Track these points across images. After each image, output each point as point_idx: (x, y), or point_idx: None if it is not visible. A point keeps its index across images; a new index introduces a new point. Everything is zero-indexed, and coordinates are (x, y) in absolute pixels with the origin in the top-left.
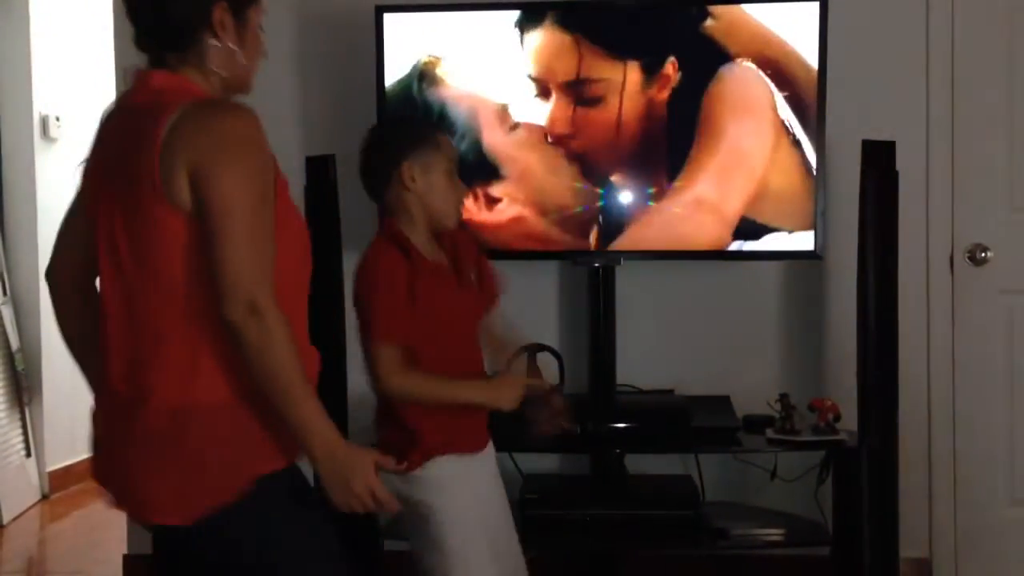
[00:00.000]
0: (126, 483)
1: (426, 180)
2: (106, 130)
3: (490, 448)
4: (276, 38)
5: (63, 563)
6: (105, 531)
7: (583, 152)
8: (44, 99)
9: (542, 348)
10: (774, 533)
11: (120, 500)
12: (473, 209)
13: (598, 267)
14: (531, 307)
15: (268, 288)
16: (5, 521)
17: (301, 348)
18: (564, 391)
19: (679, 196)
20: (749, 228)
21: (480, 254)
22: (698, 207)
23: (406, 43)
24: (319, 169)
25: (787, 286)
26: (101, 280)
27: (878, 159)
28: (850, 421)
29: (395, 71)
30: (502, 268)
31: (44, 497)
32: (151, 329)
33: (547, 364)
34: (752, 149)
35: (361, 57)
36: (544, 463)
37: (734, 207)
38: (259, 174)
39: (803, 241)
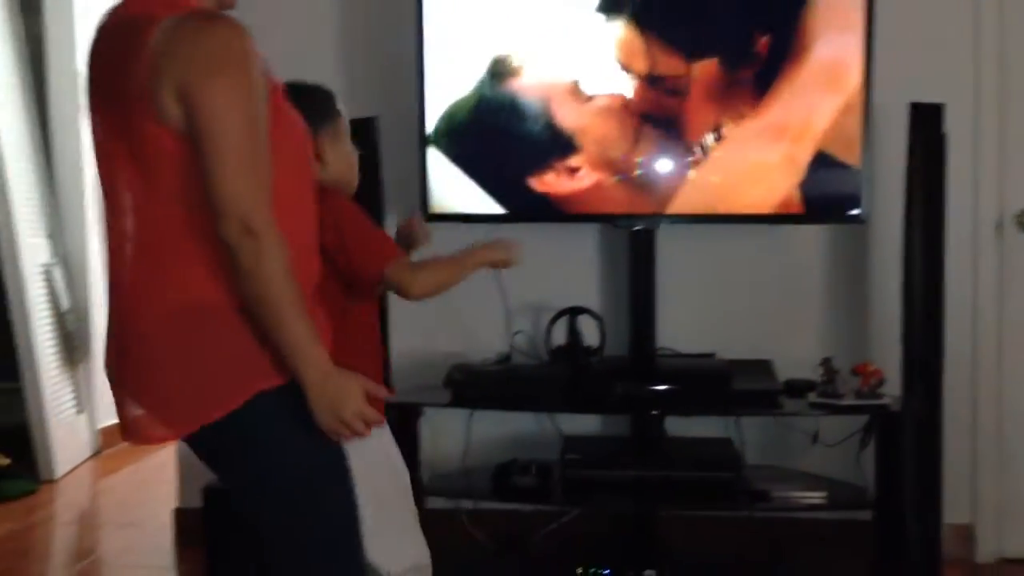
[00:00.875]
0: (125, 397)
1: (335, 151)
2: (99, 41)
3: None
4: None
5: (115, 515)
6: (156, 486)
7: (639, 120)
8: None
9: (582, 311)
10: (815, 496)
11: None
12: (554, 181)
13: (639, 230)
14: (572, 270)
15: (263, 208)
16: (59, 475)
17: (306, 258)
18: (605, 354)
19: (729, 153)
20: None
21: None
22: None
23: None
24: (362, 131)
25: (831, 250)
26: (102, 188)
27: (926, 122)
28: (894, 386)
29: (436, 30)
30: (544, 231)
31: (96, 453)
32: (155, 245)
33: (588, 327)
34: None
35: (402, 17)
36: (584, 425)
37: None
38: (249, 91)
39: (848, 205)
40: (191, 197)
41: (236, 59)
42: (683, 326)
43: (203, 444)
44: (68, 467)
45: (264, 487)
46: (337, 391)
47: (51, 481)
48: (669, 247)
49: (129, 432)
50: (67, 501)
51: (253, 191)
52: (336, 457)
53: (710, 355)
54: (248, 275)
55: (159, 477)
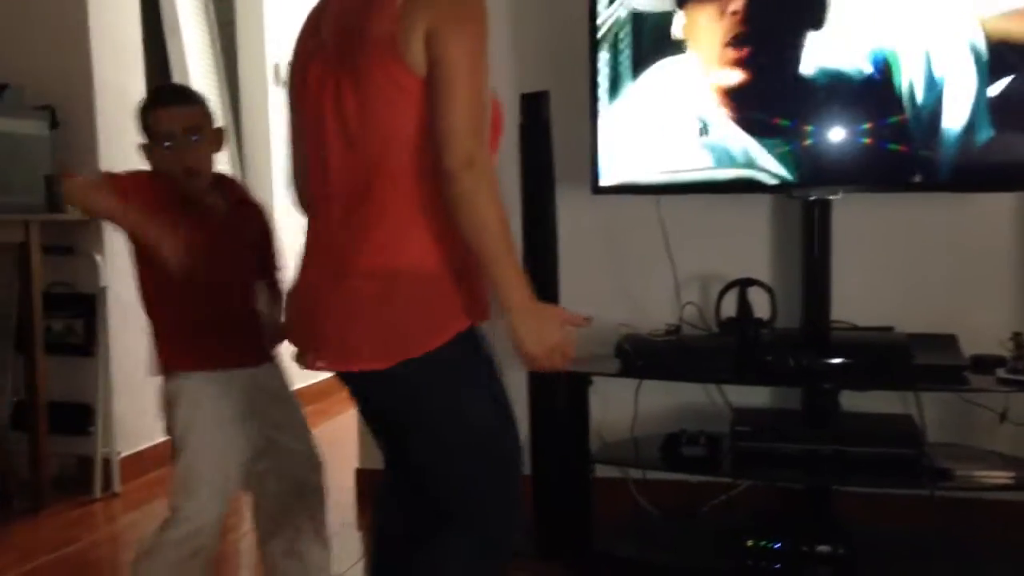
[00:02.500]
0: (330, 338)
1: (154, 153)
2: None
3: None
4: None
5: None
6: (338, 447)
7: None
8: (276, 48)
9: (753, 282)
10: (1003, 476)
11: (322, 355)
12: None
13: (813, 200)
14: (742, 241)
15: (484, 146)
16: None
17: None
18: (776, 326)
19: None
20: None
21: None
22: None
23: None
24: (534, 106)
25: (1021, 216)
26: (325, 152)
27: None
28: None
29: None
30: (714, 202)
31: None
32: (373, 194)
33: (759, 299)
34: None
35: None
36: (753, 398)
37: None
38: (486, 36)
39: None
40: (418, 147)
41: (481, 8)
42: (859, 298)
43: (387, 381)
44: None
45: (451, 422)
46: (541, 320)
47: None
48: (845, 215)
49: (320, 362)
50: None
51: (478, 131)
52: (507, 401)
53: (889, 328)
54: (467, 205)
55: (341, 438)
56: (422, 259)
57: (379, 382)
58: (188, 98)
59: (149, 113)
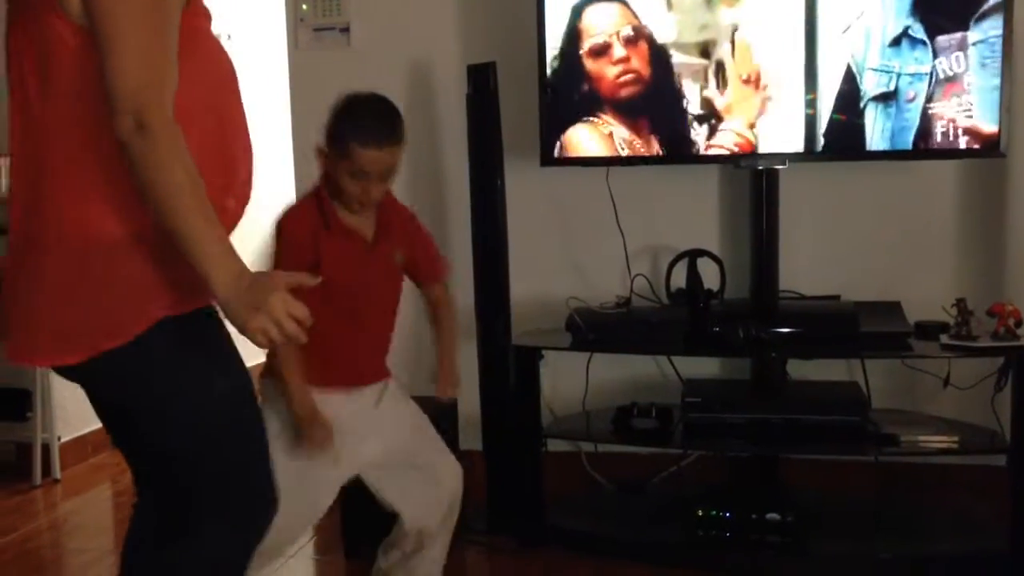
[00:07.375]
0: (17, 326)
1: (333, 169)
2: None
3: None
4: None
5: None
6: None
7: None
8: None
9: (702, 253)
10: (946, 441)
11: (12, 344)
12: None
13: (761, 170)
14: (691, 212)
15: (158, 100)
16: None
17: (216, 195)
18: (725, 297)
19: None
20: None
21: (416, 234)
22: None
23: None
24: (481, 77)
25: (965, 185)
26: (9, 114)
27: None
28: None
29: None
30: (663, 173)
31: None
32: (46, 162)
33: (708, 270)
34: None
35: None
36: (704, 368)
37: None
38: None
39: (984, 137)
40: (84, 108)
41: None
42: (807, 268)
43: (96, 373)
44: None
45: (165, 413)
46: (253, 286)
47: None
48: (793, 186)
49: (15, 354)
50: None
51: (147, 83)
52: (241, 380)
53: (835, 297)
54: (141, 171)
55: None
56: (105, 235)
57: (86, 374)
58: (397, 138)
59: (353, 146)
